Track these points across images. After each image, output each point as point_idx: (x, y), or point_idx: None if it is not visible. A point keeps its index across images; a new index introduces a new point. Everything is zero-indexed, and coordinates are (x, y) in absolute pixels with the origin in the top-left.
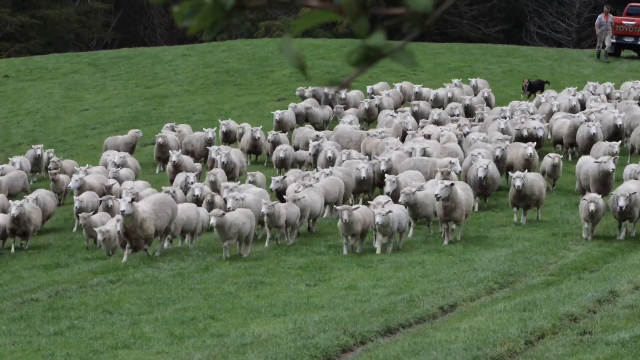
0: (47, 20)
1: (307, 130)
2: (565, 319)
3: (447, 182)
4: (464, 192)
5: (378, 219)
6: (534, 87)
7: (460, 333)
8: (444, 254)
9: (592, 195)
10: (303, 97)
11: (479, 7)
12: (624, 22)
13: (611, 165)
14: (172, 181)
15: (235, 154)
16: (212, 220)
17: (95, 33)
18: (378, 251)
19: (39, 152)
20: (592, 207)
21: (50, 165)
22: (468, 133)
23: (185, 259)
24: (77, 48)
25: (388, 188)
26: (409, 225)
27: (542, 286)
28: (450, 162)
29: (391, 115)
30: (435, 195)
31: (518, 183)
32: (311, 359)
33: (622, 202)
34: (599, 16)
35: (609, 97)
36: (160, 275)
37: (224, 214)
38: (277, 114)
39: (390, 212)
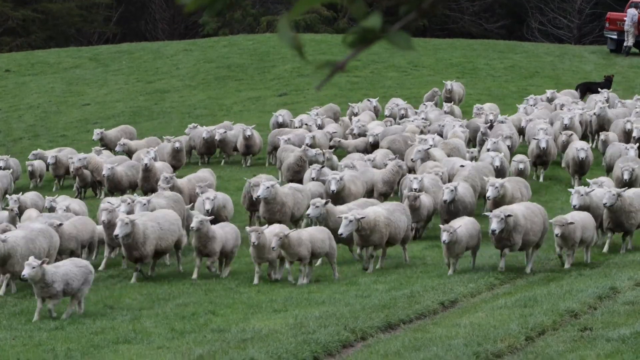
0: (49, 15)
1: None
2: (566, 315)
3: (351, 217)
4: (389, 215)
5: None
6: (588, 89)
7: (461, 329)
8: None
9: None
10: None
11: (481, 3)
12: (626, 19)
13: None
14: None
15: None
16: None
17: (96, 28)
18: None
19: None
20: (494, 223)
21: None
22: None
23: (185, 255)
24: (78, 43)
25: (194, 223)
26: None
27: (542, 282)
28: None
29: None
30: (339, 234)
31: (444, 238)
32: (312, 354)
33: (494, 225)
34: (634, 12)
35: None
36: (161, 270)
37: None
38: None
39: None
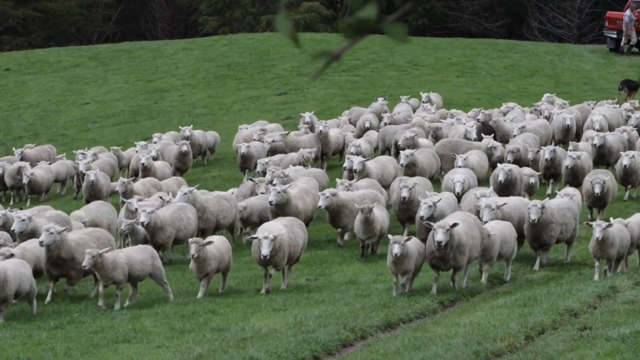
0: (49, 14)
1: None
2: (566, 315)
3: (271, 236)
4: (289, 233)
5: None
6: (630, 86)
7: (461, 328)
8: None
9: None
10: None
11: (481, 2)
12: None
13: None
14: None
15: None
16: None
17: (96, 27)
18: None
19: None
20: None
21: None
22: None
23: (185, 254)
24: (78, 42)
25: (44, 237)
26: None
27: (542, 281)
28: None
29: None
30: (263, 256)
31: (396, 250)
32: (311, 353)
33: (439, 236)
34: (629, 13)
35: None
36: None
37: None
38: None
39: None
